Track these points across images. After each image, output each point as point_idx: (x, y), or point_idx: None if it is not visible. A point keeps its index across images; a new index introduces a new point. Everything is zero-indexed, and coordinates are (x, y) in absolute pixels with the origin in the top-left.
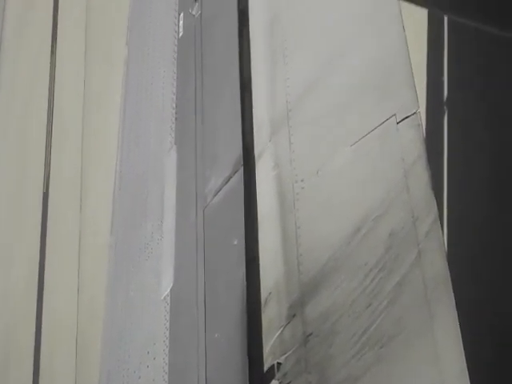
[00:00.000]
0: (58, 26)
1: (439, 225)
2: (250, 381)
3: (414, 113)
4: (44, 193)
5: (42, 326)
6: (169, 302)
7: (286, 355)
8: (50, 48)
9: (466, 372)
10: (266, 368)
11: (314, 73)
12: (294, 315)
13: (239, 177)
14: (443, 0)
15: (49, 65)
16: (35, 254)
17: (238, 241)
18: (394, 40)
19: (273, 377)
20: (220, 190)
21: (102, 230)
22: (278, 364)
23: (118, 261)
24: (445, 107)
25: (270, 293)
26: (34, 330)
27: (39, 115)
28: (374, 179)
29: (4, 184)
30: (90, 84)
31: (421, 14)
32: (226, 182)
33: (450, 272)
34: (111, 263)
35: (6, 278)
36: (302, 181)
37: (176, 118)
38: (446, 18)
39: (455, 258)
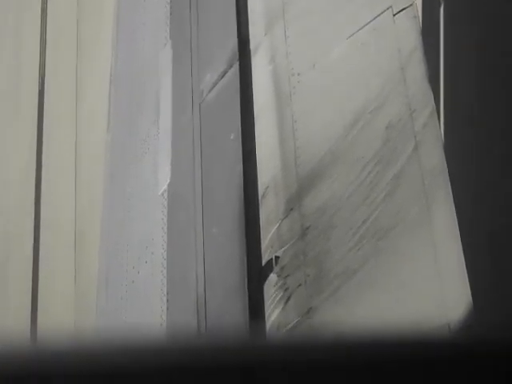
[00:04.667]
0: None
1: (436, 117)
2: (248, 274)
3: (411, 5)
4: (39, 90)
5: (41, 224)
6: (166, 197)
7: (283, 249)
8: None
9: (463, 261)
10: (264, 262)
11: None
12: (291, 209)
13: (235, 71)
14: None
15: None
16: (31, 156)
17: (235, 135)
18: None
19: (271, 270)
20: (216, 84)
21: (99, 126)
22: (276, 258)
23: (115, 157)
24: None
25: (267, 187)
26: (32, 231)
27: (33, 13)
28: (371, 71)
29: None
30: None
31: None
32: (222, 77)
33: (447, 163)
34: (108, 160)
35: (1, 178)
36: (298, 74)
37: (171, 13)
38: None
39: (452, 150)
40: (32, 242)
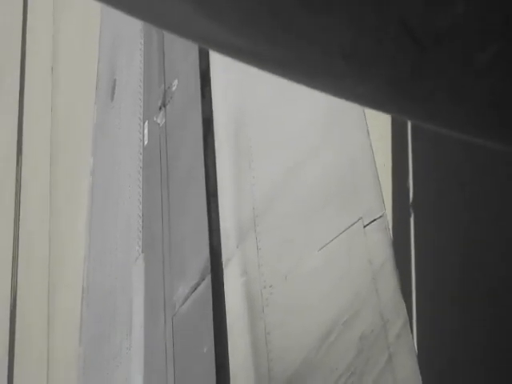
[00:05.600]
0: (24, 142)
1: (409, 328)
2: None
3: (381, 216)
4: (11, 310)
5: None
6: None
7: None
8: (15, 163)
9: None
10: None
11: (280, 179)
12: None
13: (207, 284)
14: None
15: (14, 181)
16: (2, 370)
17: (208, 348)
18: (359, 145)
19: None
20: (188, 297)
21: (71, 341)
22: None
23: (87, 372)
24: (411, 209)
25: None
26: None
27: (6, 221)
28: (343, 283)
29: None
30: (56, 196)
31: (385, 118)
32: (194, 290)
33: (421, 375)
34: (80, 375)
35: None
36: (270, 286)
37: (143, 227)
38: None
39: (426, 362)
40: None
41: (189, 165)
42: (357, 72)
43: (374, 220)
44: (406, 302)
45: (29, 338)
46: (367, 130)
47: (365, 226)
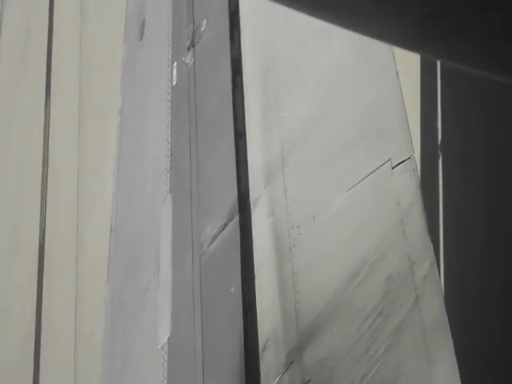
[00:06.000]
0: (52, 83)
1: (436, 269)
2: None
3: (409, 157)
4: (40, 245)
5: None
6: (166, 351)
7: None
8: (44, 101)
9: None
10: None
11: (308, 119)
12: (292, 362)
13: (235, 224)
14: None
15: (43, 119)
16: (32, 310)
17: (235, 288)
18: (388, 85)
19: None
20: (216, 237)
21: (99, 281)
22: None
23: (115, 310)
24: (439, 151)
25: (267, 340)
26: None
27: (33, 167)
28: (370, 224)
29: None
30: (84, 135)
31: (414, 59)
32: (222, 230)
33: (448, 317)
34: (108, 313)
35: (4, 332)
36: (298, 227)
37: (171, 167)
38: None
39: (453, 303)
40: None
41: (217, 105)
42: (386, 10)
43: (403, 161)
44: (433, 243)
45: (57, 278)
46: (396, 71)
47: (393, 168)
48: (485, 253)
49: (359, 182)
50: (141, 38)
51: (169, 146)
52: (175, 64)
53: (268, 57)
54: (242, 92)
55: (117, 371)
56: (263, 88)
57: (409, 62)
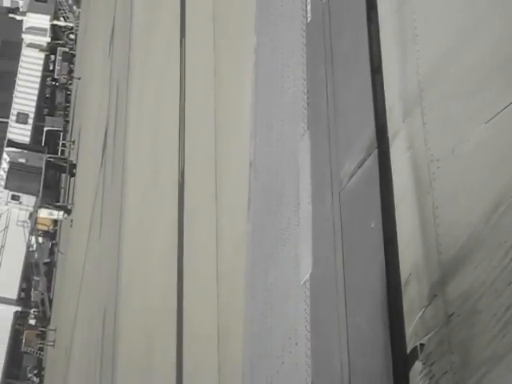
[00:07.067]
0: (186, 19)
1: None
2: (393, 363)
3: None
4: (179, 183)
5: (184, 324)
6: (308, 286)
7: (428, 336)
8: (178, 41)
9: None
10: (408, 349)
11: (445, 52)
12: (435, 295)
13: (374, 159)
14: None
15: (179, 57)
16: (173, 244)
17: (376, 223)
18: None
19: (416, 358)
20: (355, 173)
21: (239, 218)
22: (421, 345)
23: (256, 248)
24: None
25: (409, 274)
26: (175, 324)
27: (171, 106)
28: (511, 156)
29: (140, 177)
30: (219, 74)
31: None
32: (361, 165)
33: None
34: (249, 251)
35: (146, 271)
36: (437, 160)
37: (308, 104)
38: None
39: None
40: (175, 340)
41: (352, 40)
42: None
43: None
44: None
45: (196, 217)
46: None
47: None
48: None
49: (498, 113)
50: None
51: (305, 83)
52: (309, 0)
53: None
54: (377, 26)
55: (259, 307)
56: (399, 21)
57: None
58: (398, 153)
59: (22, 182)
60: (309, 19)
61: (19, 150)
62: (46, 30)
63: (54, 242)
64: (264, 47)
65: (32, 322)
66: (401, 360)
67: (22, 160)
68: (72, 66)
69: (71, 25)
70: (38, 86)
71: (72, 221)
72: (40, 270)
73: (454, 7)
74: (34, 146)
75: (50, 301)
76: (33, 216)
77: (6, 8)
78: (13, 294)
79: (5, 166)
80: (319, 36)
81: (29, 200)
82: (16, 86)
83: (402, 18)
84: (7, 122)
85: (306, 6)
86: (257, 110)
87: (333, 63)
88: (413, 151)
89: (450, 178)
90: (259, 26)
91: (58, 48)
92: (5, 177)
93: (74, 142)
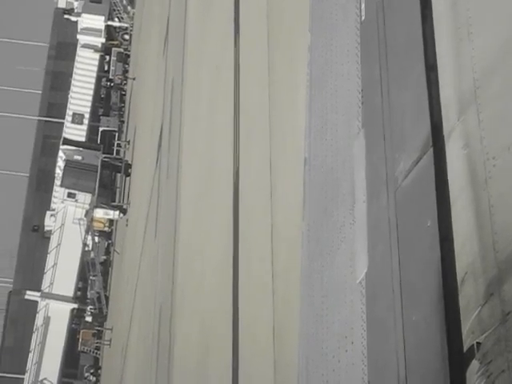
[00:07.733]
0: (240, 18)
1: None
2: (449, 361)
3: None
4: (234, 182)
5: (239, 324)
6: (364, 285)
7: (485, 334)
8: (233, 40)
9: None
10: (465, 348)
11: (500, 49)
12: (491, 294)
13: (429, 158)
14: None
15: (233, 56)
16: (228, 244)
17: (431, 222)
18: None
19: (473, 357)
20: (410, 171)
21: (294, 217)
22: (478, 344)
23: (311, 247)
24: None
25: (466, 272)
26: (230, 323)
27: (226, 105)
28: None
29: (195, 176)
30: (274, 72)
31: None
32: (416, 164)
33: None
34: (305, 251)
35: (202, 271)
36: (493, 158)
37: (362, 102)
38: None
39: None
40: (231, 340)
41: (407, 38)
42: None
43: None
44: None
45: (251, 216)
46: None
47: None
48: None
49: None
50: None
51: (359, 82)
52: None
53: None
54: (432, 24)
55: (314, 307)
56: (453, 19)
57: None
58: (454, 151)
59: (78, 180)
60: (363, 18)
61: (75, 147)
62: (100, 30)
63: (109, 241)
64: (318, 46)
65: (89, 319)
66: (458, 359)
67: (78, 157)
68: (126, 66)
69: (126, 25)
70: (93, 86)
71: (127, 220)
72: (96, 269)
73: (509, 4)
74: (89, 143)
75: (107, 298)
76: (89, 214)
77: (61, 9)
78: (69, 291)
79: (61, 164)
80: (373, 34)
81: (85, 198)
82: (71, 87)
83: (457, 16)
84: (63, 123)
85: (361, 5)
86: (311, 108)
87: (387, 61)
88: (468, 149)
89: (506, 175)
90: (313, 25)
91: (113, 49)
92: (61, 175)
93: (129, 141)
